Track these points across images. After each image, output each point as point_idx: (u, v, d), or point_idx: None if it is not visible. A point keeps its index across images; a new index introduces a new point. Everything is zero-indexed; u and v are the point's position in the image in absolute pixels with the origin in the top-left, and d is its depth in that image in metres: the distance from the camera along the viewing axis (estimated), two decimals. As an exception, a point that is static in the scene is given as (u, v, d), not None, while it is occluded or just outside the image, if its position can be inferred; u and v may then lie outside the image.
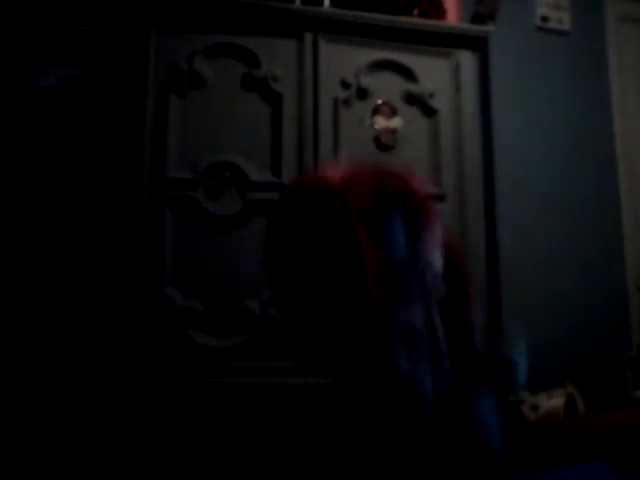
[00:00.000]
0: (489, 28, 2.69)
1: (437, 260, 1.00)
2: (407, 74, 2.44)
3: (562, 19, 3.19)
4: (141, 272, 2.10)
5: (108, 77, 2.56)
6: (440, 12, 2.59)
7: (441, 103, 2.45)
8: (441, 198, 2.37)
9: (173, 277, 2.12)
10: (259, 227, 2.20)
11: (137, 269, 2.10)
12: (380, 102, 2.39)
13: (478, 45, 2.56)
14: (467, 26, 2.74)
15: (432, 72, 2.47)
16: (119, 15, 2.56)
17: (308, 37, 2.35)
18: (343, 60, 2.37)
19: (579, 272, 2.99)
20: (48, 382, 2.31)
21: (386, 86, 2.41)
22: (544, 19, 3.16)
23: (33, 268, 2.42)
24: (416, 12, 2.56)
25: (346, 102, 2.35)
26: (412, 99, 2.43)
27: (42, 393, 2.30)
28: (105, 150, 2.50)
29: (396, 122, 2.38)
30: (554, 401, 2.50)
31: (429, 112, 2.44)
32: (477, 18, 2.93)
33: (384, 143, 2.36)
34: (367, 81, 2.38)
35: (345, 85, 2.35)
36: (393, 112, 2.39)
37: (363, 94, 2.38)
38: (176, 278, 2.12)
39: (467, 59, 2.52)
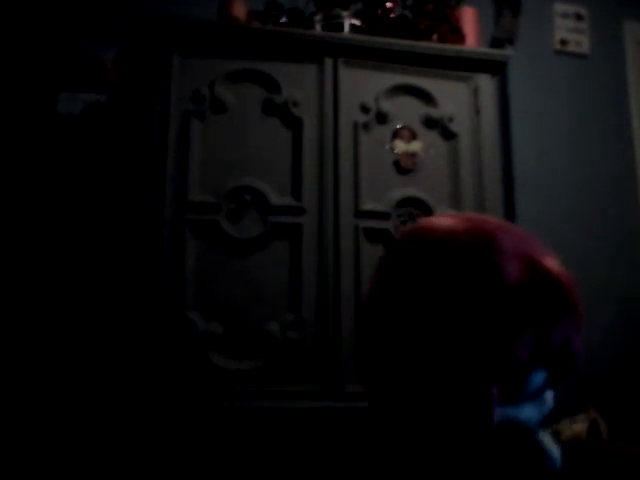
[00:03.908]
0: (508, 52, 2.71)
1: None
2: (426, 98, 2.45)
3: (581, 42, 3.19)
4: (162, 295, 2.12)
5: (131, 103, 2.61)
6: (459, 37, 2.60)
7: (460, 126, 2.46)
8: (461, 221, 2.37)
9: (194, 300, 2.13)
10: (280, 250, 2.22)
11: (158, 292, 2.12)
12: (399, 126, 2.40)
13: (497, 69, 2.58)
14: (486, 50, 2.75)
15: (451, 96, 2.48)
16: (142, 41, 2.61)
17: (328, 62, 2.38)
18: (363, 85, 2.40)
19: (602, 293, 2.96)
20: (67, 405, 2.34)
21: (405, 110, 2.43)
22: (563, 42, 3.17)
23: (54, 292, 2.45)
24: (435, 37, 2.59)
25: (366, 126, 2.37)
26: (431, 123, 2.44)
27: (63, 416, 2.32)
28: (127, 174, 2.54)
29: (416, 146, 2.40)
30: (576, 426, 2.47)
31: (448, 136, 2.45)
32: (496, 42, 2.95)
33: (404, 167, 2.37)
34: (386, 105, 2.40)
35: (365, 109, 2.37)
36: (412, 136, 2.40)
37: (383, 118, 2.39)
38: (197, 301, 2.13)
39: (486, 83, 2.53)
